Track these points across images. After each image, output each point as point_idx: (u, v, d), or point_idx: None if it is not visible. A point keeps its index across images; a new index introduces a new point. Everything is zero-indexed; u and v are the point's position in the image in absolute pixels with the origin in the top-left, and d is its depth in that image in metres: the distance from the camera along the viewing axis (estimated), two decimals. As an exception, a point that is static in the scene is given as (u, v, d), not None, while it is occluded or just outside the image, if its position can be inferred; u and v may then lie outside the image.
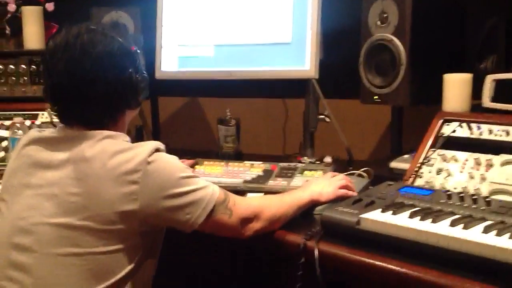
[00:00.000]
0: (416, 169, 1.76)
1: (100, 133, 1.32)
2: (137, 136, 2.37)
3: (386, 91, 1.97)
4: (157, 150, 1.33)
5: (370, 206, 1.47)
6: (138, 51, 1.41)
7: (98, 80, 1.31)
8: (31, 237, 1.27)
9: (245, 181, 1.95)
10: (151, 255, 1.38)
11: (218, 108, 2.58)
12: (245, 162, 2.10)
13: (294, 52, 2.03)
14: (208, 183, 1.41)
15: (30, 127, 2.38)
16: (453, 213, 1.38)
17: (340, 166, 2.17)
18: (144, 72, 1.43)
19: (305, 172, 1.97)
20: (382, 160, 2.11)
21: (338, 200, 1.63)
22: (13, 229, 1.30)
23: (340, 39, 2.23)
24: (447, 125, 1.82)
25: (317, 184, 1.68)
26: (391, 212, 1.41)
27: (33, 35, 2.49)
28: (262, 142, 2.66)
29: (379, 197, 1.54)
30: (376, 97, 2.00)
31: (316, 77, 2.02)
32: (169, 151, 2.64)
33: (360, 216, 1.40)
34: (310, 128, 2.38)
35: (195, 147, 2.75)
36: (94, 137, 1.31)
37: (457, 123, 1.80)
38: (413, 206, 1.46)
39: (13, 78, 2.49)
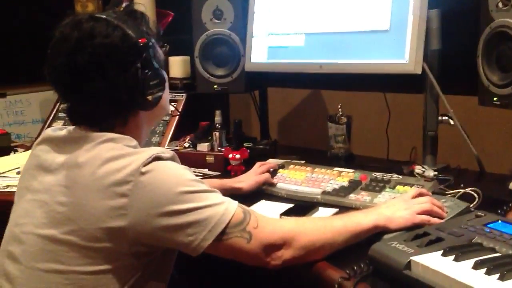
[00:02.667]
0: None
1: (102, 135, 1.18)
2: (235, 134, 2.19)
3: (507, 92, 1.55)
4: (157, 158, 1.14)
5: (434, 244, 1.13)
6: (151, 43, 1.23)
7: (98, 76, 1.17)
8: (21, 247, 1.18)
9: (324, 192, 1.69)
10: (155, 277, 1.20)
11: (332, 102, 2.31)
12: (335, 169, 1.83)
13: (392, 42, 1.68)
14: (224, 199, 1.19)
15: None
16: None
17: (466, 179, 1.81)
18: (158, 67, 1.25)
19: (398, 186, 1.64)
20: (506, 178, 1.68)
21: (414, 229, 1.30)
22: (9, 235, 1.22)
23: (458, 23, 1.82)
24: None
25: (390, 206, 1.36)
26: (453, 256, 1.06)
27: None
28: (376, 144, 2.33)
29: (454, 233, 1.18)
30: (496, 98, 1.58)
31: (418, 72, 1.66)
32: (278, 148, 2.55)
33: (412, 258, 1.08)
34: (429, 131, 2.01)
35: (306, 144, 2.51)
36: (95, 139, 1.17)
37: None
38: (492, 250, 1.09)
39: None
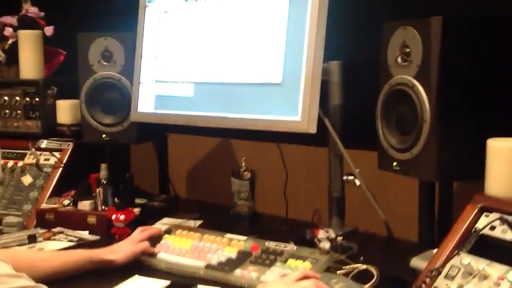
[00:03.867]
0: (428, 278, 1.18)
1: None
2: (125, 190, 1.93)
3: (407, 157, 1.39)
4: None
5: None
6: None
7: None
8: None
9: (208, 266, 1.48)
10: None
11: (240, 152, 2.12)
12: (226, 235, 1.62)
13: (285, 97, 1.50)
14: None
15: (12, 170, 2.09)
16: None
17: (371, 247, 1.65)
18: None
19: (290, 260, 1.45)
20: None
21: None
22: None
23: (360, 76, 1.67)
24: (486, 215, 1.22)
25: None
26: None
27: (29, 63, 2.20)
28: (282, 201, 2.14)
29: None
30: (395, 163, 1.41)
31: (312, 132, 1.48)
32: (181, 201, 2.33)
33: None
34: (334, 192, 1.84)
35: (212, 199, 2.30)
36: None
37: (498, 215, 1.19)
38: None
39: (7, 111, 2.22)
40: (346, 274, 1.42)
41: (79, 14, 2.40)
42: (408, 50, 1.37)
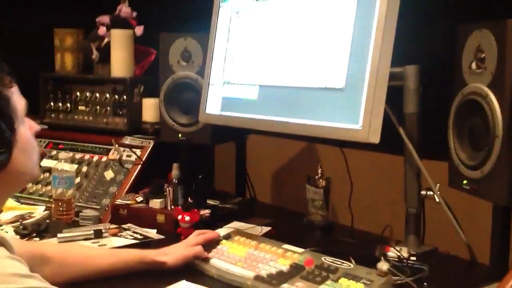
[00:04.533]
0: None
1: None
2: (198, 190, 1.91)
3: (477, 176, 1.23)
4: None
5: None
6: None
7: None
8: None
9: (257, 277, 1.41)
10: None
11: (326, 157, 2.02)
12: (283, 246, 1.54)
13: (346, 103, 1.39)
14: None
15: (97, 164, 2.17)
16: None
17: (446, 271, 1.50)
18: None
19: (342, 279, 1.34)
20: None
21: None
22: None
23: (434, 82, 1.52)
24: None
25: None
26: None
27: (120, 61, 2.27)
28: (358, 211, 2.02)
29: None
30: (465, 182, 1.26)
31: (374, 141, 1.35)
32: (258, 205, 2.27)
33: None
34: (409, 207, 1.70)
35: (286, 204, 2.23)
36: None
37: None
38: None
39: (97, 107, 2.30)
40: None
41: (164, 14, 2.43)
42: (483, 55, 1.21)
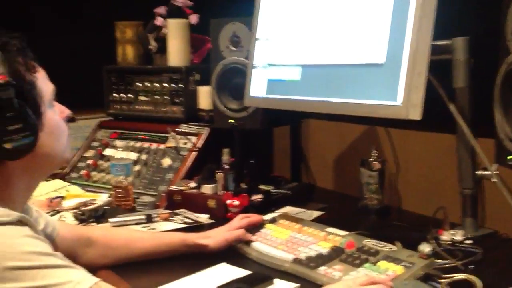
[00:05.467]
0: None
1: None
2: (250, 176, 1.91)
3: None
4: None
5: None
6: (16, 81, 1.03)
7: None
8: None
9: (296, 260, 1.39)
10: None
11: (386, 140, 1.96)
12: (326, 229, 1.51)
13: (386, 79, 1.32)
14: (74, 278, 0.97)
15: (155, 152, 2.22)
16: None
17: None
18: (24, 109, 1.04)
19: (380, 262, 1.29)
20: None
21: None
22: None
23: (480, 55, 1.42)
24: None
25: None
26: None
27: (176, 50, 2.30)
28: (414, 194, 1.93)
29: None
30: (510, 157, 1.17)
31: (414, 118, 1.28)
32: (315, 190, 2.22)
33: None
34: (464, 189, 1.61)
35: (342, 189, 2.18)
36: None
37: None
38: None
39: (156, 97, 2.35)
40: (449, 284, 1.22)
41: (216, 0, 2.43)
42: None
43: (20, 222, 0.99)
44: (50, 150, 1.13)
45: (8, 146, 1.03)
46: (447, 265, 1.35)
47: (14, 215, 0.99)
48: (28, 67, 1.09)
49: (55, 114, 1.15)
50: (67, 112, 1.21)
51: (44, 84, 1.13)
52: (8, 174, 1.08)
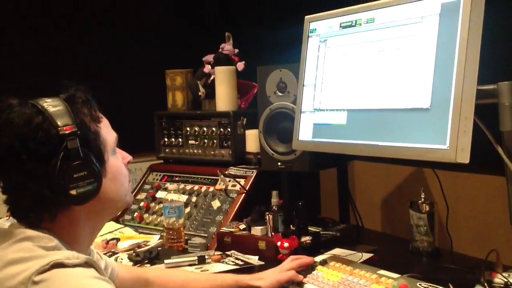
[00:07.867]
0: None
1: (22, 233, 1.07)
2: (298, 217, 1.95)
3: None
4: (58, 265, 1.00)
5: None
6: (81, 131, 1.10)
7: (14, 168, 1.08)
8: None
9: (347, 302, 1.41)
10: None
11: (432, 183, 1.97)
12: (378, 272, 1.52)
13: (433, 123, 1.36)
14: None
15: (205, 194, 2.28)
16: None
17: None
18: (89, 157, 1.11)
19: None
20: None
21: None
22: None
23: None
24: None
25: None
26: None
27: (224, 96, 2.39)
28: (465, 236, 1.92)
29: None
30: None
31: (462, 161, 1.31)
32: (364, 232, 2.23)
33: None
34: (517, 230, 1.60)
35: (391, 231, 2.18)
36: (14, 236, 1.07)
37: None
38: None
39: (205, 140, 2.43)
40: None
41: (261, 48, 2.52)
42: None
43: (87, 264, 1.05)
44: (113, 194, 1.20)
45: (74, 192, 1.10)
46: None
47: (82, 257, 1.05)
48: (92, 118, 1.17)
49: (117, 161, 1.22)
50: (128, 158, 1.28)
51: (108, 133, 1.20)
52: (74, 218, 1.15)
